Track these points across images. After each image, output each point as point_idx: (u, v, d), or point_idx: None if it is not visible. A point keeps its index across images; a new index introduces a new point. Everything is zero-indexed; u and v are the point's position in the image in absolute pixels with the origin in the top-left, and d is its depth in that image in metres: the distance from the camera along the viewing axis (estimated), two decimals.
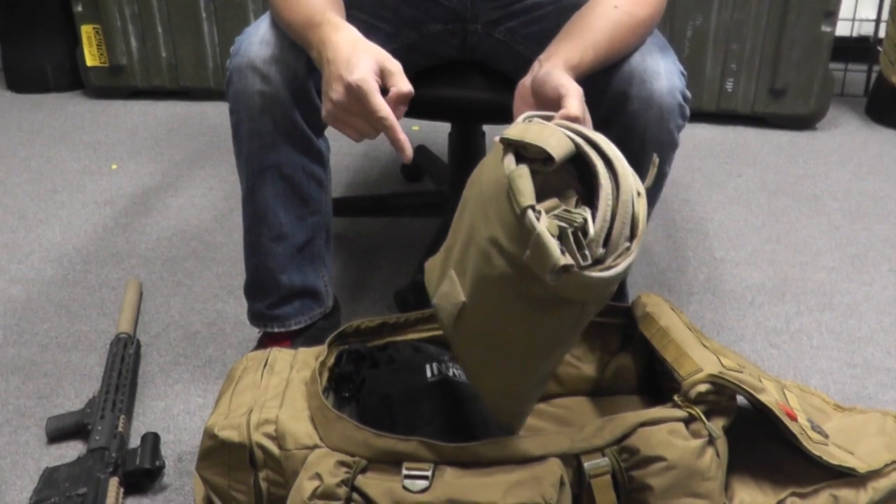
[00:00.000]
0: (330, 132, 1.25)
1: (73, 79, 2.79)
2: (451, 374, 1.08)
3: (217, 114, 2.57)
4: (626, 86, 1.09)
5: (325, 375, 1.10)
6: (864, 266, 1.74)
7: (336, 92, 0.97)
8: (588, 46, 1.04)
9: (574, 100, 0.94)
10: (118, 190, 2.09)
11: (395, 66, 0.98)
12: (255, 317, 1.32)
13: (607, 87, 1.10)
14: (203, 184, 2.12)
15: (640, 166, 1.14)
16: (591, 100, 1.11)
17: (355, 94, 0.95)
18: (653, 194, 1.21)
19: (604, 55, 1.06)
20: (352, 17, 1.10)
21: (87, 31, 2.61)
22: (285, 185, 1.21)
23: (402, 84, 0.97)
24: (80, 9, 2.59)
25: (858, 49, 2.73)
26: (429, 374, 1.07)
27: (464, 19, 1.29)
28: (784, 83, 2.37)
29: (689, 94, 1.13)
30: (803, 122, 2.45)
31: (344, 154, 2.24)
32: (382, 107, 0.95)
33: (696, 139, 2.33)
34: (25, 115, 2.61)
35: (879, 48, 2.56)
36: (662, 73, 1.09)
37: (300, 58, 1.12)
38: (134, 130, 2.48)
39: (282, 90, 1.13)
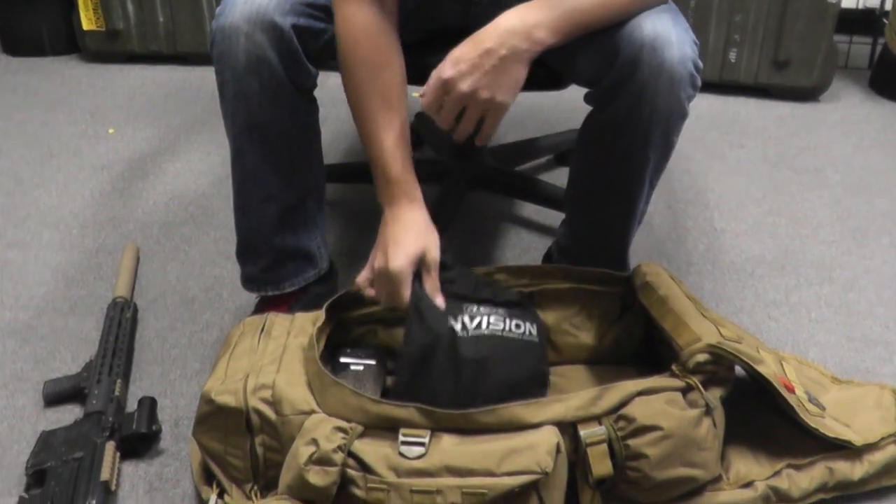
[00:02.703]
0: (319, 93, 1.24)
1: (70, 43, 2.76)
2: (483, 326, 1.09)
3: (214, 79, 2.54)
4: (636, 53, 1.07)
5: (323, 341, 1.09)
6: (865, 239, 1.73)
7: (378, 261, 1.10)
8: (569, 9, 1.05)
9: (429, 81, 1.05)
10: (115, 154, 2.07)
11: (433, 261, 1.09)
12: (248, 280, 1.32)
13: (618, 54, 1.08)
14: (200, 149, 2.10)
15: (649, 134, 1.13)
16: (603, 65, 1.10)
17: (390, 276, 1.07)
18: (659, 164, 1.20)
19: (593, 15, 1.07)
20: None
21: None
22: (273, 145, 1.20)
23: (433, 283, 1.08)
24: None
25: (863, 21, 2.70)
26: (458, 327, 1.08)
27: None
28: (787, 55, 2.35)
29: (700, 63, 1.12)
30: (806, 93, 2.43)
31: (343, 120, 2.22)
32: (404, 299, 1.07)
33: (697, 110, 2.30)
34: (21, 79, 2.59)
35: (885, 20, 2.53)
36: (674, 41, 1.07)
37: (286, 19, 1.11)
38: (131, 95, 2.46)
39: (268, 50, 1.12)
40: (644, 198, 1.24)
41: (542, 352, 1.12)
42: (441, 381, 1.02)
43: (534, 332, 1.10)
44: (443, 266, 1.10)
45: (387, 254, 1.08)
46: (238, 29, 1.12)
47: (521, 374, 1.06)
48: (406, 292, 1.07)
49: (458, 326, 1.06)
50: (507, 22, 1.02)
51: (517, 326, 1.09)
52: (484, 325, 1.07)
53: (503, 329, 1.08)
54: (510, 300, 1.12)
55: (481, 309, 1.09)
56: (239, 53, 1.13)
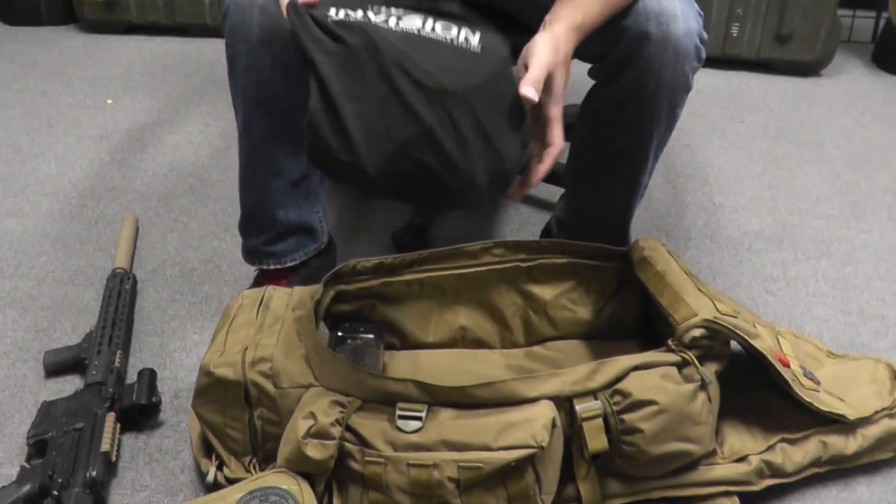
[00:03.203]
0: None
1: (67, 12, 2.73)
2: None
3: (213, 50, 2.53)
4: (643, 27, 1.07)
5: (321, 314, 1.10)
6: (864, 214, 1.73)
7: None
8: (593, 3, 1.03)
9: (534, 69, 0.94)
10: (114, 125, 2.07)
11: None
12: (250, 253, 1.32)
13: (625, 29, 1.08)
14: (199, 121, 2.09)
15: (654, 107, 1.13)
16: (609, 41, 1.10)
17: None
18: (663, 137, 1.20)
19: (611, 7, 1.05)
20: None
21: None
22: (282, 119, 1.20)
23: None
24: None
25: None
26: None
27: None
28: (790, 29, 2.33)
29: (705, 35, 1.12)
30: (808, 68, 2.42)
31: None
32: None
33: (699, 84, 2.27)
34: (19, 48, 2.57)
35: None
36: (679, 14, 1.08)
37: None
38: (129, 66, 2.44)
39: (282, 23, 1.11)
40: (647, 171, 1.24)
41: (489, 66, 0.92)
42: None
43: (473, 40, 0.92)
44: None
45: None
46: (253, 2, 1.11)
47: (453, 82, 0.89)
48: None
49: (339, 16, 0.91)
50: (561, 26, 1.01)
51: (445, 28, 0.92)
52: (391, 23, 0.90)
53: (420, 28, 0.91)
54: (452, 12, 0.97)
55: (392, 10, 0.92)
56: (253, 26, 1.12)
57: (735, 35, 2.38)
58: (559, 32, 0.99)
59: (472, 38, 0.92)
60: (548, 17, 1.02)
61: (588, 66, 1.20)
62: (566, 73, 0.99)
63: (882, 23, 2.57)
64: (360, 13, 0.90)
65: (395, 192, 0.90)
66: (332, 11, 0.91)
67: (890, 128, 2.13)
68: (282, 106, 1.18)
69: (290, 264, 1.30)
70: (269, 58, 1.14)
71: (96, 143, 1.98)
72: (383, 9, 0.91)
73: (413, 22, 0.90)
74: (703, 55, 1.13)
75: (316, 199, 1.30)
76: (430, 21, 0.91)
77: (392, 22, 0.90)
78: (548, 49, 0.96)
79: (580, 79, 1.19)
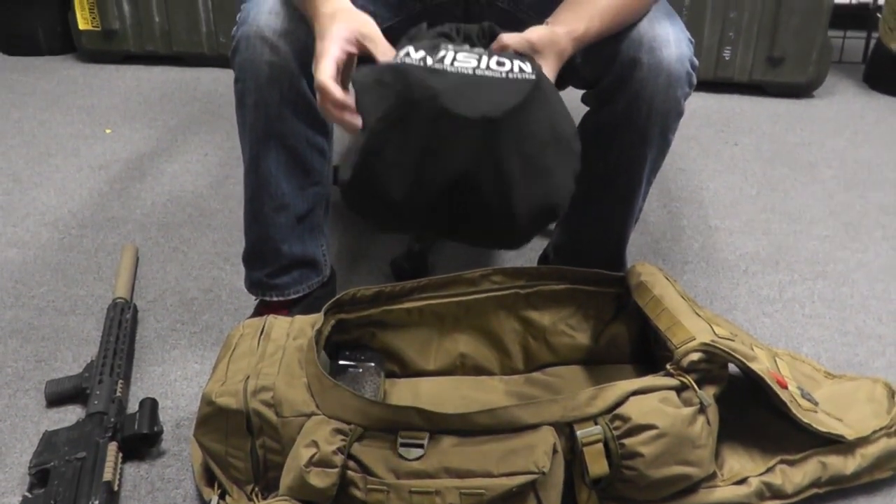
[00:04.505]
0: None
1: (66, 42, 2.75)
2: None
3: (211, 80, 2.55)
4: (635, 53, 1.09)
5: (322, 343, 1.10)
6: (858, 234, 1.75)
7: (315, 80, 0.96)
8: (594, 15, 1.03)
9: (525, 34, 0.96)
10: (112, 155, 2.08)
11: (372, 32, 0.96)
12: (254, 285, 1.33)
13: (617, 54, 1.10)
14: (198, 150, 2.11)
15: (646, 132, 1.15)
16: (602, 66, 1.11)
17: (319, 90, 0.94)
18: (656, 162, 1.21)
19: (610, 23, 1.06)
20: None
21: None
22: (289, 155, 1.21)
23: (384, 50, 0.95)
24: None
25: (857, 16, 2.71)
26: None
27: None
28: (782, 51, 2.36)
29: (696, 61, 1.14)
30: (801, 90, 2.44)
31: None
32: (328, 112, 0.94)
33: (692, 107, 2.29)
34: (17, 78, 2.59)
35: (878, 15, 2.54)
36: (671, 40, 1.09)
37: (310, 29, 1.12)
38: (127, 95, 2.46)
39: (291, 61, 1.12)
40: (641, 195, 1.26)
41: (537, 84, 0.89)
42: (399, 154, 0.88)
43: (526, 69, 0.90)
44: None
45: (315, 69, 0.96)
46: (264, 39, 1.12)
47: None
48: (327, 106, 0.94)
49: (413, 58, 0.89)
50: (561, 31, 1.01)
51: (499, 64, 0.90)
52: (448, 60, 0.89)
53: (476, 67, 0.89)
54: (483, 28, 0.96)
55: (447, 46, 0.91)
56: (262, 63, 1.13)
57: (727, 58, 2.40)
58: (560, 31, 1.00)
59: (525, 67, 0.90)
60: (549, 20, 1.03)
61: (581, 92, 1.22)
62: (554, 72, 0.98)
63: (872, 43, 2.60)
64: (417, 54, 0.89)
65: (434, 236, 0.89)
66: (402, 53, 0.90)
67: (882, 148, 2.15)
68: (289, 142, 1.20)
69: (293, 297, 1.31)
70: (277, 94, 1.15)
71: (95, 172, 1.99)
72: (441, 51, 0.90)
73: (468, 63, 0.89)
74: (695, 81, 1.15)
75: (320, 234, 1.32)
76: (484, 59, 0.90)
77: (448, 60, 0.88)
78: (542, 33, 0.97)
79: (573, 104, 1.20)
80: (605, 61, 1.11)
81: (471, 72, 0.87)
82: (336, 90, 0.92)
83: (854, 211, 1.84)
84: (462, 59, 0.88)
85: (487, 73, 0.88)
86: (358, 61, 0.97)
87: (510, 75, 0.88)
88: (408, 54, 0.88)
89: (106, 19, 2.59)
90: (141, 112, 2.34)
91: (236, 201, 1.82)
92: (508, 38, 0.95)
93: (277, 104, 1.16)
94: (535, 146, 0.88)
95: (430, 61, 0.87)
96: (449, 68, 0.87)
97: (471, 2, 1.29)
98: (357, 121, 0.91)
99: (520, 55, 0.93)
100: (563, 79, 1.28)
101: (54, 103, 2.40)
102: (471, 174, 0.86)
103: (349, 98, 0.91)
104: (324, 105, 0.94)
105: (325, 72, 0.93)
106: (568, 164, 0.91)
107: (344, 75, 0.95)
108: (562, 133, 0.90)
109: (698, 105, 2.36)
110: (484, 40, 0.96)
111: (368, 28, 0.96)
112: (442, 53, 0.88)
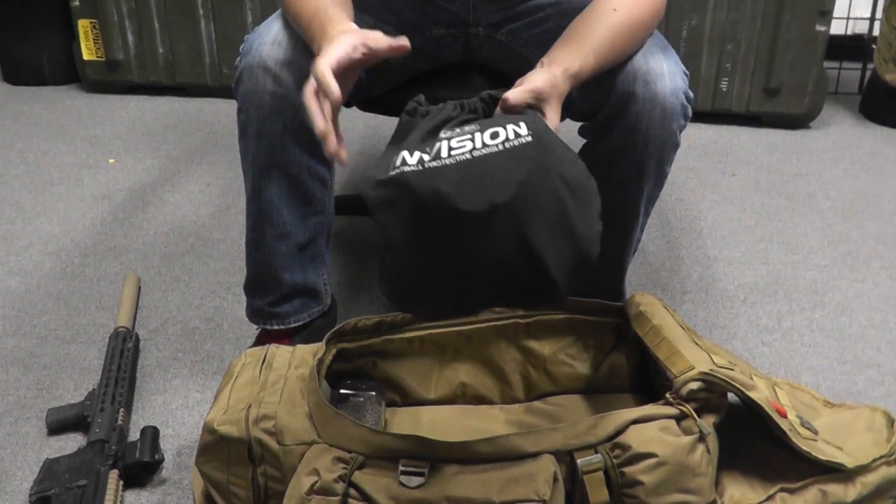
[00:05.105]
0: None
1: (69, 72, 2.78)
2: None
3: (214, 111, 2.57)
4: (630, 86, 1.10)
5: (323, 372, 1.11)
6: (856, 264, 1.76)
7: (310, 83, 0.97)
8: (589, 52, 1.05)
9: (527, 84, 0.96)
10: (115, 184, 2.10)
11: (378, 35, 0.97)
12: (255, 314, 1.33)
13: (612, 87, 1.11)
14: (200, 180, 2.12)
15: (643, 164, 1.16)
16: (598, 99, 1.13)
17: (315, 77, 0.94)
18: (653, 193, 1.22)
19: (604, 59, 1.07)
20: (356, 20, 1.11)
21: (83, 25, 2.61)
22: (291, 184, 1.22)
23: (383, 40, 0.96)
24: (77, 3, 2.59)
25: (853, 47, 2.74)
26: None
27: (466, 23, 1.30)
28: (778, 82, 2.38)
29: (691, 94, 1.15)
30: (797, 120, 2.47)
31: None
32: (309, 104, 0.94)
33: (690, 139, 2.34)
34: (22, 108, 2.62)
35: (874, 46, 2.57)
36: (666, 73, 1.11)
37: (312, 59, 1.13)
38: (131, 125, 2.48)
39: (293, 92, 1.13)
40: (639, 226, 1.26)
41: (538, 144, 0.88)
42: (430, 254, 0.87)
43: (521, 131, 0.88)
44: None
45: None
46: (267, 70, 1.14)
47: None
48: (331, 85, 0.92)
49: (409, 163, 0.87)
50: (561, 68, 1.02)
51: (494, 136, 0.87)
52: (444, 153, 0.87)
53: (473, 148, 0.87)
54: (483, 98, 0.95)
55: (439, 136, 0.90)
56: (265, 94, 1.14)
57: (724, 89, 2.42)
58: (557, 72, 1.00)
59: (520, 130, 0.88)
60: (545, 60, 1.03)
61: (577, 124, 1.24)
62: (557, 114, 0.99)
63: (868, 74, 2.63)
64: (413, 158, 0.87)
65: (483, 309, 0.90)
66: (398, 162, 0.88)
67: (879, 178, 2.17)
68: (291, 171, 1.21)
69: (293, 325, 1.32)
70: (280, 125, 1.16)
71: (98, 202, 2.00)
72: (436, 144, 0.88)
73: (464, 147, 0.87)
74: (690, 113, 1.16)
75: (321, 263, 1.32)
76: (478, 137, 0.88)
77: (444, 153, 0.87)
78: (545, 79, 0.98)
79: (570, 137, 1.22)
80: (600, 95, 1.13)
81: (469, 156, 0.86)
82: (331, 80, 0.92)
83: (852, 241, 1.85)
84: (457, 146, 0.87)
85: (485, 150, 0.86)
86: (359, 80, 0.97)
87: (507, 144, 0.86)
88: (404, 161, 0.86)
89: (110, 50, 2.62)
90: (144, 142, 2.36)
91: (238, 231, 1.84)
92: (514, 97, 0.95)
93: (280, 134, 1.17)
94: (553, 206, 0.87)
95: (426, 159, 0.86)
96: (447, 161, 0.86)
97: (470, 35, 1.31)
98: (333, 137, 0.92)
99: (512, 116, 0.92)
100: (560, 112, 1.30)
101: (58, 133, 2.42)
102: (504, 258, 0.86)
103: (330, 122, 0.92)
104: (307, 91, 0.94)
105: (327, 60, 0.93)
106: (589, 208, 0.90)
107: (343, 82, 0.95)
108: (574, 179, 0.89)
109: (696, 136, 2.38)
110: (488, 107, 0.96)
111: (372, 35, 0.97)
112: (437, 146, 0.87)
